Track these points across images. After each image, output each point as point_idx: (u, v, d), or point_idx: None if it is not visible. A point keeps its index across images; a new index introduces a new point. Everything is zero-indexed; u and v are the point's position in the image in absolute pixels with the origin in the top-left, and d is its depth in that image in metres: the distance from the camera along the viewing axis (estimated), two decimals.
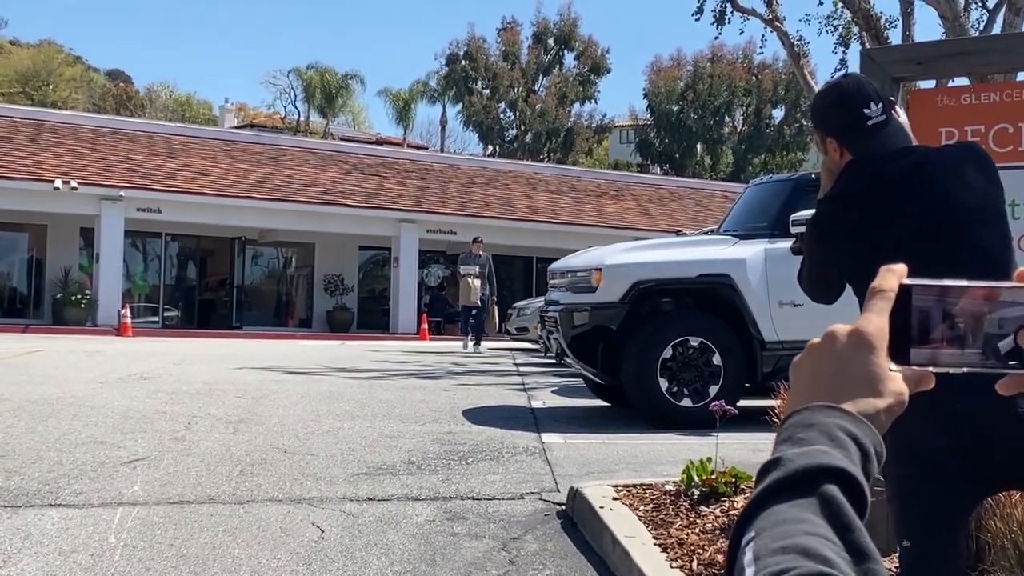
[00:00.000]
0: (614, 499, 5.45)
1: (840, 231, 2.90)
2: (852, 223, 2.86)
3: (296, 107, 53.91)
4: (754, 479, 0.90)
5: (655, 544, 4.73)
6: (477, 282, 18.91)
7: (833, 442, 0.84)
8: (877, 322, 0.89)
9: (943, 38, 12.52)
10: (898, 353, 0.88)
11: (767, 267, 8.76)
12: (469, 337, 19.57)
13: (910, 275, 0.92)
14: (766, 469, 0.84)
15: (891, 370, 0.88)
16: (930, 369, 0.89)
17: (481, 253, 19.32)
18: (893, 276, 0.91)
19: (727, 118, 52.86)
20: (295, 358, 15.73)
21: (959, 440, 2.48)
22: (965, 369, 0.89)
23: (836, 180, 2.91)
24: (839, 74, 3.29)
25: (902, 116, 2.97)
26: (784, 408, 5.05)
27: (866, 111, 2.83)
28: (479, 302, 19.07)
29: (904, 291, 0.89)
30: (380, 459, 7.08)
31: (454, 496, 6.06)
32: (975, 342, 0.87)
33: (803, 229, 9.19)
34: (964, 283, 0.87)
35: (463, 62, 52.15)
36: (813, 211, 2.99)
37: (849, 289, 2.89)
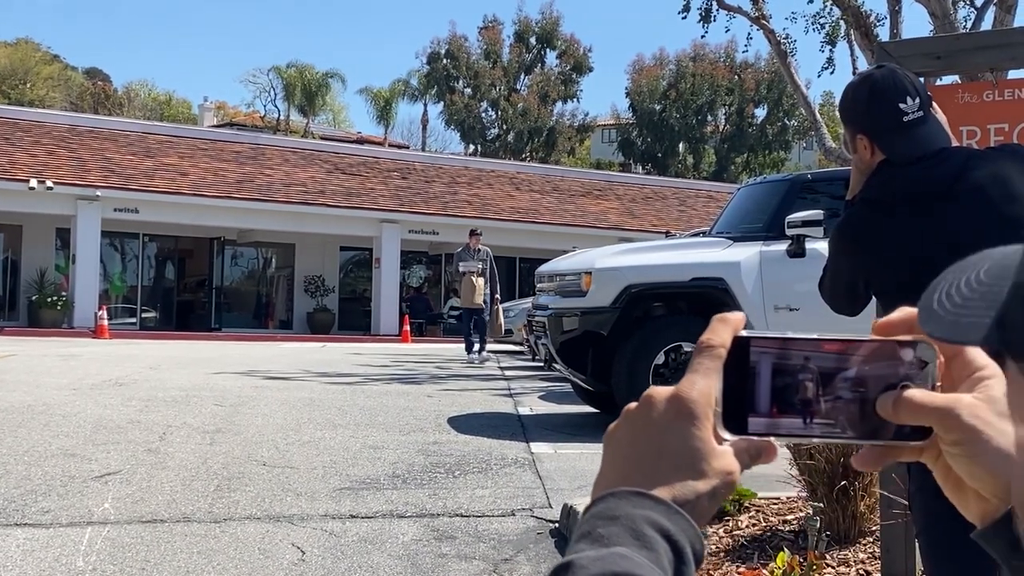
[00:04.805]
0: None
1: (871, 240, 2.65)
2: (884, 232, 2.62)
3: (276, 106, 53.63)
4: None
5: None
6: (480, 280, 16.59)
7: (639, 541, 0.66)
8: (701, 385, 0.71)
9: (935, 34, 12.32)
10: (733, 421, 0.71)
11: (762, 270, 8.53)
12: (475, 347, 17.12)
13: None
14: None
15: (725, 441, 0.71)
16: (772, 440, 0.73)
17: (481, 247, 16.86)
18: (726, 328, 0.72)
19: (709, 117, 52.87)
20: (275, 362, 15.42)
21: None
22: (815, 440, 0.75)
23: (867, 182, 2.66)
24: (874, 66, 3.07)
25: (939, 113, 2.72)
26: None
27: (902, 106, 2.58)
28: (482, 303, 16.73)
29: (739, 345, 0.72)
30: (363, 472, 6.80)
31: (441, 513, 5.79)
32: (826, 407, 0.73)
33: (799, 231, 8.92)
34: (814, 336, 0.72)
35: (444, 61, 51.96)
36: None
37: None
